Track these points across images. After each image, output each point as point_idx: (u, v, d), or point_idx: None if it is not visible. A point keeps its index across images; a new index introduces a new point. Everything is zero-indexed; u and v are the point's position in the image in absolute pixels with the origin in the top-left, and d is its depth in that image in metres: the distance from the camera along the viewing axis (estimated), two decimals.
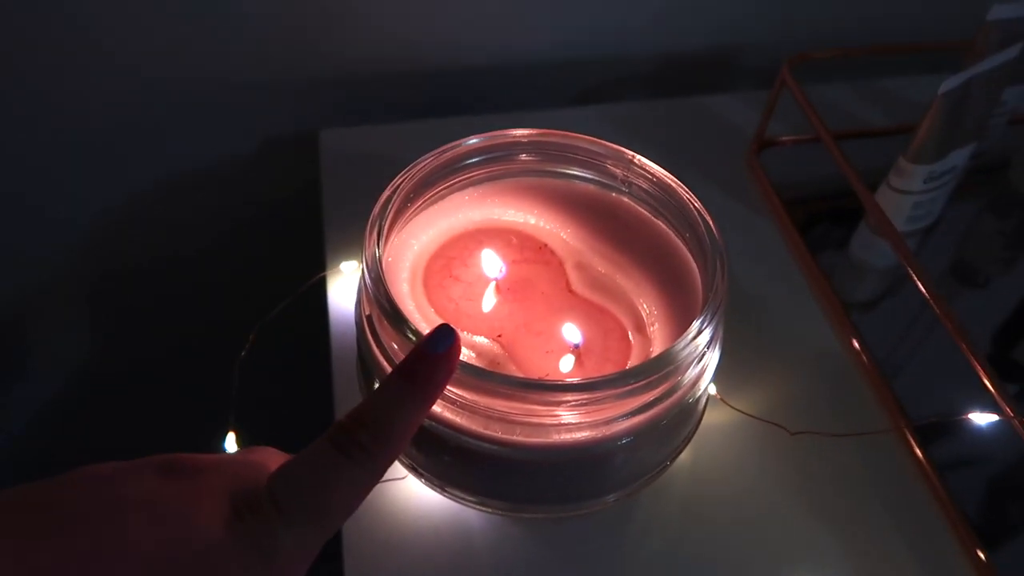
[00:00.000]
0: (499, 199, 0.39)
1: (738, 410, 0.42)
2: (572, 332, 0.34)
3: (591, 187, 0.39)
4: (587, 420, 0.29)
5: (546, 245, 0.38)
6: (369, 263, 0.31)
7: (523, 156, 0.38)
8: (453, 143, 0.36)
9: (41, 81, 0.55)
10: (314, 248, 0.53)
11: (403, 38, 0.59)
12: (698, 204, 0.35)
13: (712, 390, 0.39)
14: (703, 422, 0.36)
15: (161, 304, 0.73)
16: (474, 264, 0.36)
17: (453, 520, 0.40)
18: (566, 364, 0.34)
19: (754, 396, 0.45)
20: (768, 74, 0.59)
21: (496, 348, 0.34)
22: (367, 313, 0.32)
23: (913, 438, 0.44)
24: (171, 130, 0.61)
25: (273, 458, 0.27)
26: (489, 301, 0.35)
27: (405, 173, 0.35)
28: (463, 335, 0.34)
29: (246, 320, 0.44)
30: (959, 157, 0.51)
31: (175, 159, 0.63)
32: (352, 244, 0.51)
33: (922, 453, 0.44)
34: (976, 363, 0.39)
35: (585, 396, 0.28)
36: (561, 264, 0.37)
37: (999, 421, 0.37)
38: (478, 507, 0.34)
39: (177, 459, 0.25)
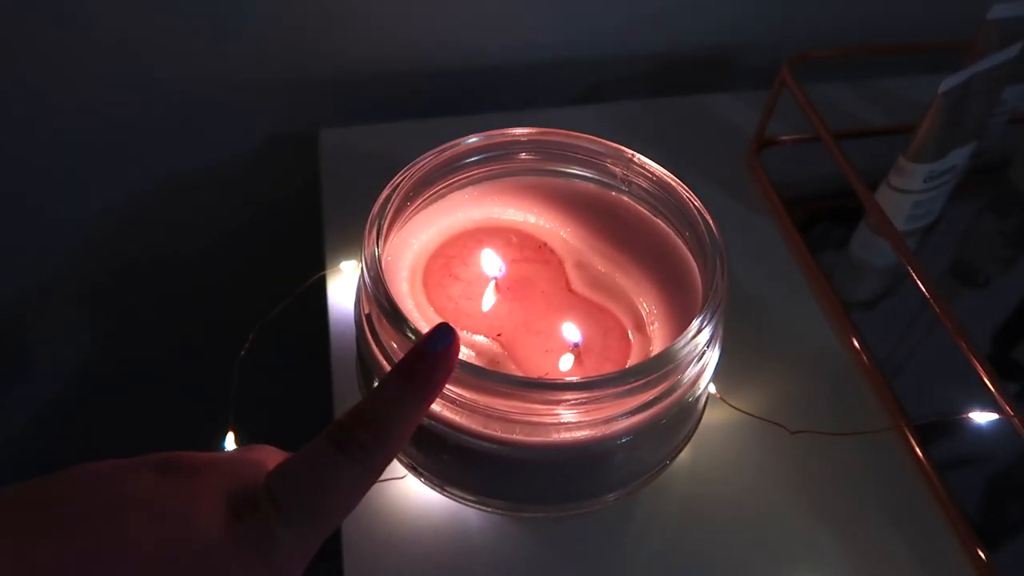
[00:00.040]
0: (499, 198, 0.39)
1: (738, 409, 0.42)
2: (572, 331, 0.34)
3: (591, 186, 0.39)
4: (587, 419, 0.29)
5: (546, 244, 0.38)
6: (368, 262, 0.31)
7: (523, 155, 0.38)
8: (453, 142, 0.36)
9: (41, 81, 0.55)
10: (314, 247, 0.53)
11: (403, 38, 0.59)
12: (698, 203, 0.35)
13: (712, 389, 0.39)
14: (703, 421, 0.36)
15: (161, 304, 0.73)
16: (473, 263, 0.36)
17: (452, 519, 0.40)
18: (566, 363, 0.34)
19: (754, 395, 0.45)
20: (768, 74, 0.59)
21: (496, 347, 0.34)
22: (366, 312, 0.32)
23: (913, 437, 0.44)
24: (171, 130, 0.61)
25: (271, 456, 0.27)
26: (489, 300, 0.35)
27: (405, 172, 0.35)
28: (463, 334, 0.34)
29: (246, 320, 0.44)
30: (959, 156, 0.51)
31: (175, 159, 0.63)
32: (352, 243, 0.51)
33: (922, 452, 0.44)
34: (976, 362, 0.39)
35: (585, 395, 0.28)
36: (561, 263, 0.37)
37: (999, 420, 0.37)
38: (478, 506, 0.34)
39: (175, 457, 0.25)
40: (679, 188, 0.35)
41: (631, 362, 0.34)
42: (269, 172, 0.65)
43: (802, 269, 0.53)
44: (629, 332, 0.35)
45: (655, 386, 0.30)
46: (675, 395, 0.31)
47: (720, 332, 0.32)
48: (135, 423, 0.80)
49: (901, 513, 0.42)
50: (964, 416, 0.37)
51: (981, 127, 0.52)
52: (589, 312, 0.35)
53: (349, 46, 0.59)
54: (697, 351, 0.30)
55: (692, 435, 0.35)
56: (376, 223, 0.32)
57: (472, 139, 0.36)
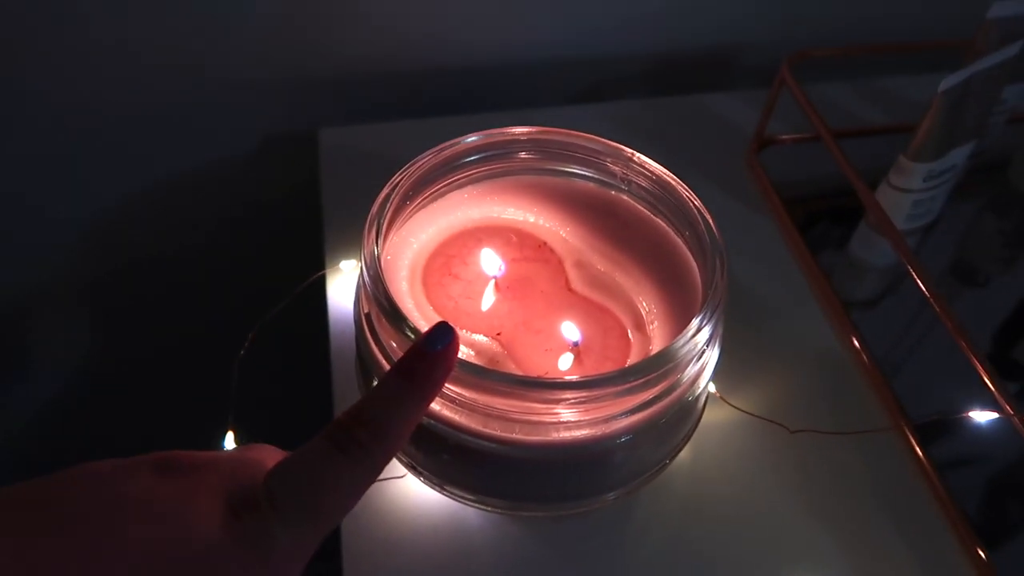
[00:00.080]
0: (498, 197, 0.39)
1: (738, 408, 0.42)
2: (571, 330, 0.34)
3: (590, 185, 0.39)
4: (586, 418, 0.29)
5: (545, 243, 0.38)
6: (368, 261, 0.31)
7: (522, 154, 0.38)
8: (452, 141, 0.36)
9: (41, 81, 0.55)
10: (313, 247, 0.53)
11: (403, 38, 0.59)
12: (698, 202, 0.35)
13: (711, 388, 0.39)
14: (702, 420, 0.36)
15: (160, 303, 0.73)
16: (473, 262, 0.36)
17: (452, 518, 0.40)
18: (565, 362, 0.34)
19: (754, 394, 0.45)
20: (768, 73, 0.59)
21: (495, 346, 0.34)
22: (366, 311, 0.32)
23: (913, 436, 0.44)
24: (171, 130, 0.61)
25: (270, 455, 0.27)
26: (488, 299, 0.35)
27: (404, 171, 0.34)
28: (462, 333, 0.34)
29: (246, 319, 0.44)
30: (959, 155, 0.51)
31: (175, 159, 0.63)
32: (351, 243, 0.51)
33: (922, 451, 0.43)
34: (976, 361, 0.39)
35: (584, 394, 0.28)
36: (560, 262, 0.37)
37: (999, 419, 0.37)
38: (477, 505, 0.34)
39: (174, 457, 0.25)
40: (679, 187, 0.35)
41: (630, 361, 0.34)
42: (269, 172, 0.65)
43: (802, 268, 0.53)
44: (629, 331, 0.35)
45: (654, 385, 0.30)
46: (675, 394, 0.31)
47: (720, 331, 0.32)
48: (135, 423, 0.80)
49: (901, 512, 0.42)
50: (964, 415, 0.37)
51: (981, 126, 0.52)
52: (589, 311, 0.35)
53: (349, 46, 0.59)
54: (697, 350, 0.30)
55: (692, 434, 0.35)
56: (375, 222, 0.32)
57: (471, 138, 0.36)
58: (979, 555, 0.40)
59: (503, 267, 0.36)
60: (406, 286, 0.35)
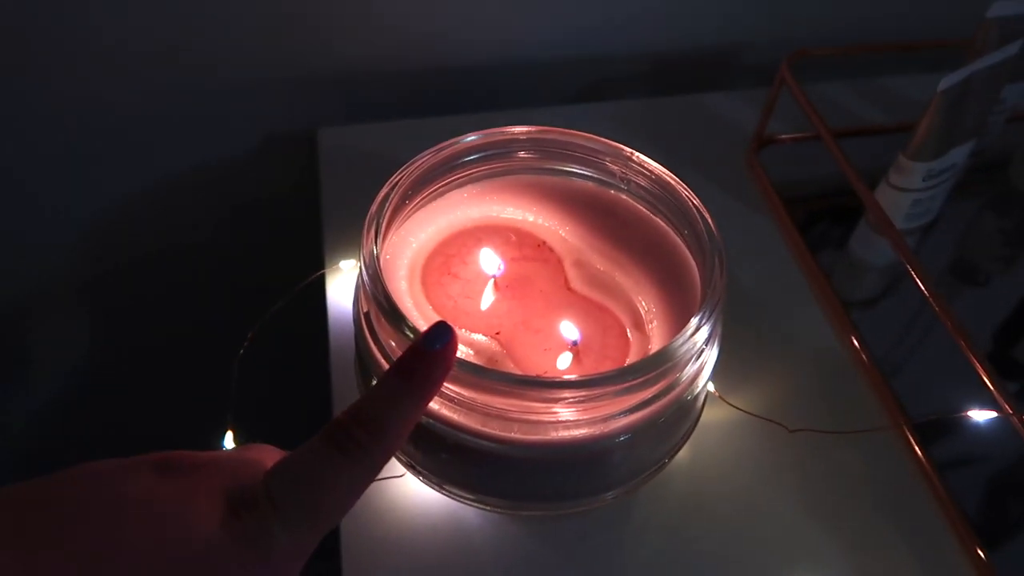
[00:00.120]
0: (498, 196, 0.39)
1: (737, 407, 0.42)
2: (570, 329, 0.34)
3: (590, 184, 0.39)
4: (585, 417, 0.29)
5: (545, 242, 0.38)
6: (367, 260, 0.31)
7: (522, 153, 0.38)
8: (451, 140, 0.36)
9: (41, 81, 0.55)
10: (313, 246, 0.53)
11: (402, 37, 0.59)
12: (697, 201, 0.35)
13: (710, 387, 0.39)
14: (701, 419, 0.36)
15: (160, 302, 0.73)
16: (472, 261, 0.36)
17: (451, 518, 0.40)
18: (564, 361, 0.34)
19: (753, 394, 0.45)
20: (768, 72, 0.59)
21: (494, 345, 0.34)
22: (365, 311, 0.32)
23: (912, 436, 0.44)
24: (171, 129, 0.60)
25: (270, 455, 0.27)
26: (487, 298, 0.35)
27: (403, 170, 0.35)
28: (461, 332, 0.34)
29: (245, 318, 0.44)
30: (958, 155, 0.51)
31: (174, 158, 0.63)
32: (351, 242, 0.51)
33: (921, 451, 0.43)
34: (976, 361, 0.39)
35: (583, 393, 0.28)
36: (560, 261, 0.37)
37: (999, 419, 0.37)
38: (476, 505, 0.34)
39: (174, 457, 0.25)
40: (678, 187, 0.35)
41: (630, 360, 0.34)
42: (268, 171, 0.65)
43: (801, 268, 0.53)
44: (628, 330, 0.35)
45: (653, 384, 0.30)
46: (673, 393, 0.31)
47: (719, 330, 0.32)
48: (134, 422, 0.80)
49: (900, 512, 0.42)
50: (964, 415, 0.37)
51: (980, 125, 0.52)
52: (588, 310, 0.35)
53: (349, 46, 0.59)
54: (695, 349, 0.30)
55: (691, 433, 0.35)
56: (375, 221, 0.32)
57: (471, 137, 0.36)
58: (979, 555, 0.40)
59: (502, 266, 0.36)
60: (405, 285, 0.35)
